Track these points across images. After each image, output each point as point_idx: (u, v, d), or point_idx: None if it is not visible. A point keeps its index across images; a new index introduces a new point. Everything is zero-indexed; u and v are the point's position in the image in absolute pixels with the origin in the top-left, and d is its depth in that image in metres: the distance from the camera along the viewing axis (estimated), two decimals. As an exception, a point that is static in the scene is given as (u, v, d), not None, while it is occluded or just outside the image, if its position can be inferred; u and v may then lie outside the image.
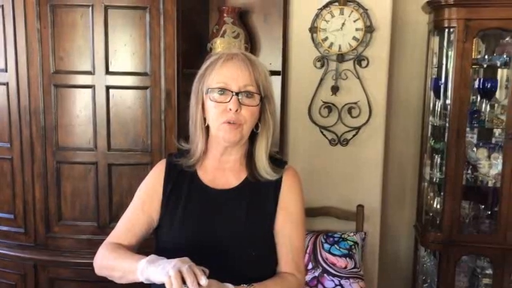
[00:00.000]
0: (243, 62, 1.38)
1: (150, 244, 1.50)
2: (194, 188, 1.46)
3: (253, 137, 1.45)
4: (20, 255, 2.44)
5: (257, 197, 1.44)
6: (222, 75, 1.38)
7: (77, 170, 2.36)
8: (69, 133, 2.34)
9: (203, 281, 1.15)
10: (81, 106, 2.32)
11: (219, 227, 1.41)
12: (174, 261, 1.19)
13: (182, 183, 1.47)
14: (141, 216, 1.47)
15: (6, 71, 2.34)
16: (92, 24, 2.25)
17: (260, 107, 1.41)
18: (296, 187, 1.48)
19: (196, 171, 1.48)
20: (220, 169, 1.47)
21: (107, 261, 1.40)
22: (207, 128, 1.44)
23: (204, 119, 1.43)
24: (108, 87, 2.29)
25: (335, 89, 2.66)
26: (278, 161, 1.49)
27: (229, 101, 1.36)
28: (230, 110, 1.36)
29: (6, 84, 2.35)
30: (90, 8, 2.25)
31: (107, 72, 2.28)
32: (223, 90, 1.37)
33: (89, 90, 2.30)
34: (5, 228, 2.48)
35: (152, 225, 1.48)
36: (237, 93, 1.36)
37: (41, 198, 2.39)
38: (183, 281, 1.16)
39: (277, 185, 1.45)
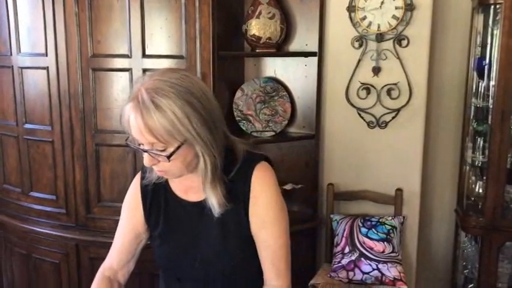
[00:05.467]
0: (139, 119, 1.19)
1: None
2: (169, 201, 1.43)
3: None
4: (63, 235, 2.52)
5: (229, 206, 1.33)
6: (129, 129, 1.23)
7: (116, 152, 2.40)
8: (108, 116, 2.38)
9: None
10: (118, 89, 2.35)
11: (196, 242, 1.39)
12: None
13: (158, 195, 1.44)
14: (129, 234, 1.48)
15: (46, 55, 2.39)
16: (129, 7, 2.26)
17: (187, 146, 1.23)
18: (265, 189, 1.35)
19: (168, 182, 1.42)
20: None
21: None
22: None
23: None
24: (144, 71, 2.30)
25: (376, 70, 2.60)
26: (249, 159, 1.37)
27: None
28: None
29: (47, 68, 2.40)
30: (127, -9, 2.25)
31: (144, 55, 2.29)
32: (138, 144, 1.25)
33: (126, 74, 2.32)
34: (48, 208, 2.56)
35: (142, 238, 1.49)
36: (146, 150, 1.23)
37: (81, 180, 2.45)
38: None
39: (246, 190, 1.35)
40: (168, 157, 1.21)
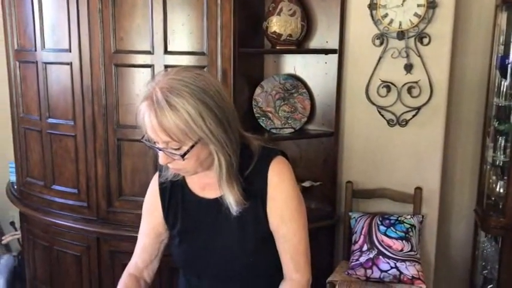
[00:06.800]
0: (153, 118, 1.20)
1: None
2: (187, 199, 1.43)
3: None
4: (84, 228, 2.56)
5: (247, 204, 1.34)
6: (145, 127, 1.24)
7: (137, 147, 2.43)
8: (129, 112, 2.40)
9: None
10: (140, 85, 2.37)
11: (214, 239, 1.40)
12: None
13: (176, 194, 1.45)
14: (150, 234, 1.50)
15: (70, 51, 2.42)
16: (151, 4, 2.27)
17: (201, 145, 1.23)
18: (282, 183, 1.35)
19: (185, 180, 1.43)
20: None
21: None
22: None
23: None
24: (166, 67, 2.31)
25: (408, 67, 2.57)
26: (264, 155, 1.37)
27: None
28: None
29: (70, 64, 2.44)
30: (150, -13, 2.27)
31: (166, 51, 2.31)
32: (153, 143, 1.27)
33: (148, 70, 2.34)
34: (70, 202, 2.60)
35: (164, 237, 1.50)
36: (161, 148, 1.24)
37: (102, 174, 2.48)
38: None
39: (263, 186, 1.35)
40: (183, 156, 1.23)
